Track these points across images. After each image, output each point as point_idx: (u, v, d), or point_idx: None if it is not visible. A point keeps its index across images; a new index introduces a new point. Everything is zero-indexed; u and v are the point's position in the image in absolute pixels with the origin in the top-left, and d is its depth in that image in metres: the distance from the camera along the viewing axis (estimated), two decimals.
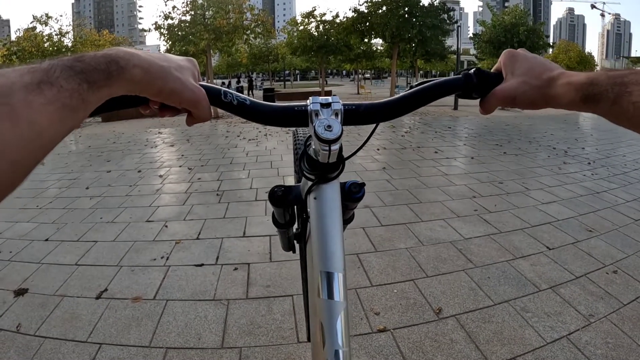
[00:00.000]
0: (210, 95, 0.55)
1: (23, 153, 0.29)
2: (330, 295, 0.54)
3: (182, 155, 7.37)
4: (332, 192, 0.62)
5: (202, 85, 0.54)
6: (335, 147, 0.54)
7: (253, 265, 3.01)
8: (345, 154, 0.63)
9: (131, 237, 3.58)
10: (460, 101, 15.78)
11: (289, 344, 2.18)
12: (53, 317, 2.40)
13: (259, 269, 2.96)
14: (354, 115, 0.61)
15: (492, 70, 0.64)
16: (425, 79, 0.66)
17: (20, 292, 2.67)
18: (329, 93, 23.75)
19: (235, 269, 2.97)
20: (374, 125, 0.66)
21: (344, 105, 0.60)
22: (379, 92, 28.15)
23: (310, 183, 0.63)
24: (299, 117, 0.60)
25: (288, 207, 0.79)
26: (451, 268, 2.96)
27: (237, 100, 0.58)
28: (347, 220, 0.83)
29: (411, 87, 0.64)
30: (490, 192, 4.76)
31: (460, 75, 0.63)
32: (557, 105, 0.53)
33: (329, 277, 0.55)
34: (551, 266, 2.99)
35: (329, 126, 0.54)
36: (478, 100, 0.64)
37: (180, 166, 6.48)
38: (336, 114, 0.59)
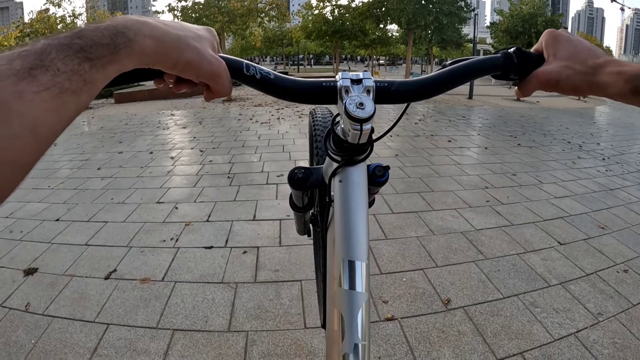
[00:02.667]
0: (231, 67, 0.51)
1: (16, 152, 0.26)
2: (352, 285, 0.51)
3: (194, 137, 7.36)
4: (359, 176, 0.58)
5: (222, 57, 0.50)
6: (367, 126, 0.51)
7: (262, 249, 3.01)
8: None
9: (141, 218, 3.59)
10: (475, 90, 15.55)
11: (296, 329, 2.18)
12: (62, 297, 2.42)
13: (268, 253, 2.97)
14: (385, 93, 0.57)
15: (532, 51, 0.60)
16: (458, 58, 0.62)
17: (29, 272, 2.69)
18: None
19: (245, 252, 2.98)
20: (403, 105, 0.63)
21: (375, 82, 0.56)
22: (393, 78, 27.90)
23: (335, 165, 0.59)
24: (327, 94, 0.56)
25: (307, 190, 0.76)
26: (461, 259, 2.94)
27: (261, 73, 0.53)
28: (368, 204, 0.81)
29: (444, 66, 0.60)
30: (503, 184, 4.71)
31: (499, 55, 0.59)
32: (602, 94, 0.51)
33: (351, 267, 0.52)
34: (562, 262, 2.95)
35: (361, 104, 0.50)
36: (513, 83, 0.61)
37: (192, 148, 6.47)
38: (367, 91, 0.54)
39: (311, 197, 0.84)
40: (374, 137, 0.59)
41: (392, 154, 6.04)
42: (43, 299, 2.41)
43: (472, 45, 20.82)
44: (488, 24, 23.97)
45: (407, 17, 17.10)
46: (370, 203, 0.81)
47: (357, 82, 0.55)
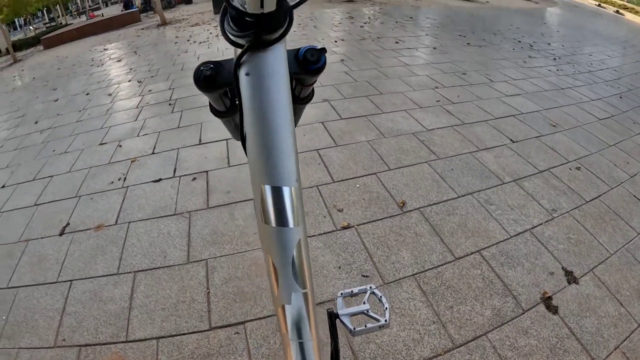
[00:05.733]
0: None
1: None
2: (280, 220, 0.40)
3: (131, 69, 6.88)
4: (273, 63, 0.42)
5: None
6: None
7: (212, 173, 2.95)
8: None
9: (86, 164, 3.41)
10: None
11: (254, 249, 2.18)
12: (22, 265, 2.33)
13: (217, 175, 2.91)
14: None
15: None
16: None
17: None
18: None
19: (194, 178, 2.90)
20: None
21: None
22: None
23: (239, 51, 0.42)
24: None
25: (221, 89, 0.55)
26: (414, 160, 2.95)
27: None
28: (303, 99, 0.64)
29: None
30: (453, 83, 4.67)
31: None
32: None
33: (275, 195, 0.40)
34: (515, 159, 3.01)
35: None
36: None
37: (129, 81, 6.06)
38: None
39: (234, 94, 0.60)
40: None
41: (337, 59, 5.81)
42: (4, 271, 2.30)
43: None
44: None
45: None
46: (307, 99, 0.65)
47: None
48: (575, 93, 4.65)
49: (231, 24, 0.42)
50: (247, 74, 0.42)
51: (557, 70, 5.63)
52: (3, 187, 3.35)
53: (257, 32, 0.40)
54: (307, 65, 0.52)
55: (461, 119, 3.65)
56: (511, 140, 3.29)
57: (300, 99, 0.62)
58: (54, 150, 3.86)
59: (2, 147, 4.34)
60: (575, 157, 3.11)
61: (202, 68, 0.51)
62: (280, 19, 0.41)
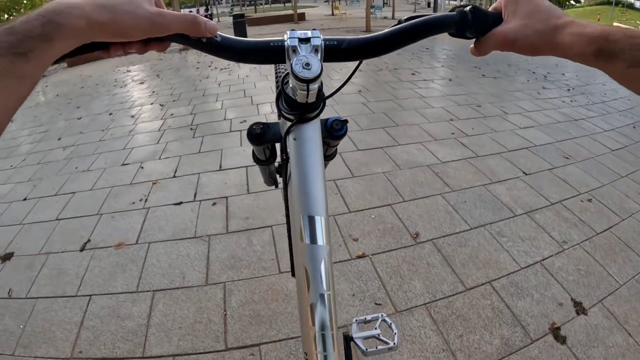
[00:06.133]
0: None
1: None
2: (313, 239, 0.54)
3: (153, 91, 7.08)
4: (312, 133, 0.60)
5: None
6: (314, 86, 0.52)
7: (231, 199, 3.02)
8: (326, 90, 0.60)
9: (108, 183, 3.51)
10: None
11: (271, 275, 2.24)
12: (41, 277, 2.40)
13: (237, 201, 2.98)
14: (335, 51, 0.57)
15: (490, 10, 0.58)
16: (414, 14, 0.61)
17: (6, 257, 2.63)
18: (302, 16, 22.70)
19: (214, 203, 2.98)
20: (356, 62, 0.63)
21: (324, 40, 0.56)
22: (355, 13, 27.13)
23: (289, 123, 0.60)
24: (275, 54, 0.56)
25: (267, 144, 0.77)
26: (428, 192, 3.00)
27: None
28: (329, 156, 0.84)
29: (399, 22, 0.59)
30: (467, 115, 4.74)
31: (454, 13, 0.58)
32: (562, 54, 0.49)
33: (311, 222, 0.55)
34: (527, 191, 3.05)
35: (308, 64, 0.51)
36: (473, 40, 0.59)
37: (151, 104, 6.24)
38: (316, 50, 0.55)
39: (273, 148, 0.85)
40: (326, 93, 0.60)
41: (355, 90, 5.94)
42: (24, 282, 2.37)
43: None
44: None
45: None
46: (332, 156, 0.87)
47: (305, 41, 0.55)
48: (588, 124, 4.67)
49: (284, 104, 0.60)
50: (294, 139, 0.60)
51: (571, 101, 5.66)
52: (25, 199, 3.45)
53: (302, 113, 0.59)
54: (332, 132, 0.71)
55: (475, 151, 3.71)
56: (524, 172, 3.33)
57: (326, 156, 0.82)
58: (76, 168, 3.98)
59: (25, 161, 4.47)
60: (587, 188, 3.13)
61: (254, 127, 0.70)
62: (318, 105, 0.59)
